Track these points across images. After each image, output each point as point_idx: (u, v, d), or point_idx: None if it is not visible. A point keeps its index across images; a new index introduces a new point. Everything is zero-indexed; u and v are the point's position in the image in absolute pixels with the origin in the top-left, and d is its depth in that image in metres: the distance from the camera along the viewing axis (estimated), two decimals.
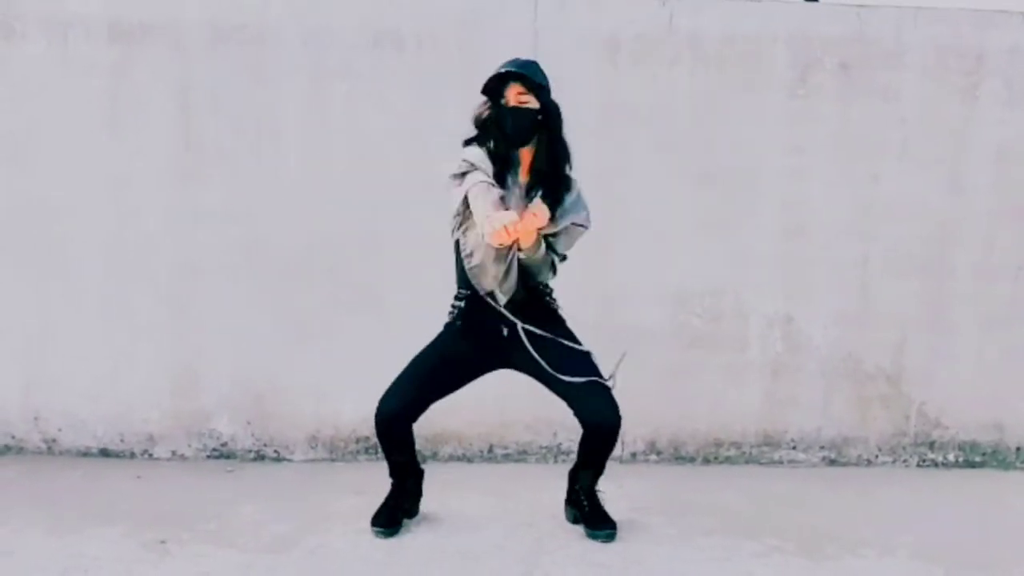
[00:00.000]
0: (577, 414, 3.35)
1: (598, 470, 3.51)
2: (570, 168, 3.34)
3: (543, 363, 3.31)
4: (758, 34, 4.23)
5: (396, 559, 3.29)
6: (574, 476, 3.59)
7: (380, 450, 3.51)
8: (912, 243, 4.38)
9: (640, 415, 4.37)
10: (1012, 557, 3.45)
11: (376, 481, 3.56)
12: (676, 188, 4.30)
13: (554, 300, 3.47)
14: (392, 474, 3.55)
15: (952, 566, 3.35)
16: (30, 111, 4.18)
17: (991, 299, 4.43)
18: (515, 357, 3.37)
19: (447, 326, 3.44)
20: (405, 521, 3.57)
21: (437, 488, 3.83)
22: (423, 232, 4.19)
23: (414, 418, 3.39)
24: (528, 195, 3.25)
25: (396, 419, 3.38)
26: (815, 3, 4.55)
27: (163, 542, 3.39)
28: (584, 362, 3.35)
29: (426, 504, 3.68)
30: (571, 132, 4.17)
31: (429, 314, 4.26)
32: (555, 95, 4.08)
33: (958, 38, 4.28)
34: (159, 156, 4.21)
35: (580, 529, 3.56)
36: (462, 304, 3.38)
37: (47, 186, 4.20)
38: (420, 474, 3.63)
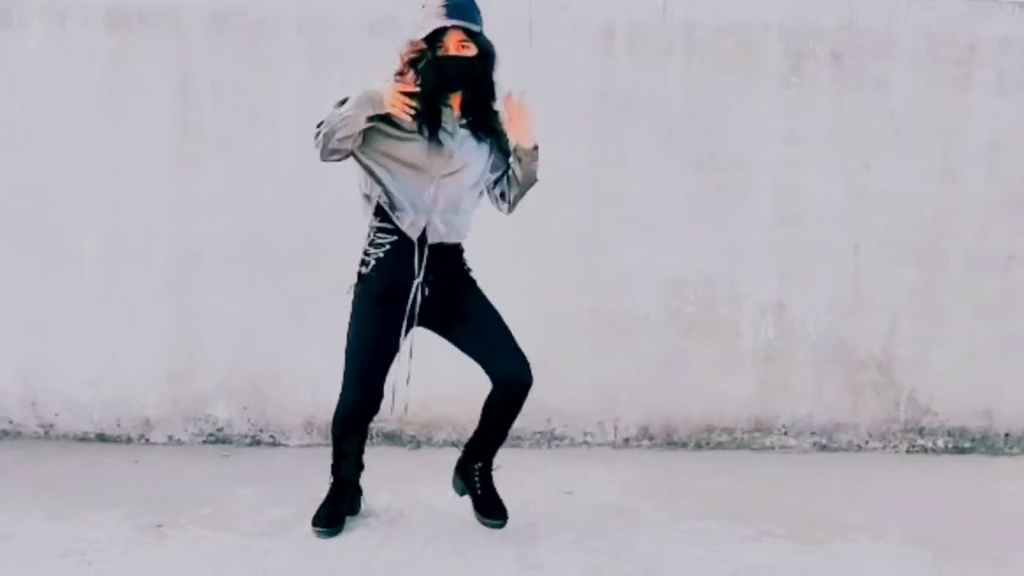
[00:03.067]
0: (489, 372, 3.28)
1: (499, 438, 3.44)
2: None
3: (449, 328, 3.31)
4: (751, 23, 4.25)
5: (391, 543, 3.32)
6: (473, 447, 3.50)
7: (334, 451, 3.46)
8: (904, 232, 4.41)
9: (633, 401, 4.41)
10: (1000, 542, 3.48)
11: (372, 466, 3.58)
12: (670, 176, 4.33)
13: (466, 262, 3.40)
14: (336, 471, 3.48)
15: (941, 551, 3.38)
16: (29, 99, 4.19)
17: (982, 288, 4.46)
18: (429, 317, 3.29)
19: (364, 283, 3.28)
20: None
21: (431, 474, 3.86)
22: None
23: (377, 405, 3.31)
24: (471, 135, 3.22)
25: (360, 411, 3.31)
26: None
27: (160, 526, 3.41)
28: (496, 322, 3.32)
29: (420, 489, 3.72)
30: (566, 120, 4.21)
31: None
32: (550, 84, 4.11)
33: (950, 28, 4.30)
34: (157, 143, 4.22)
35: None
36: (382, 254, 3.25)
37: (46, 173, 4.21)
38: (362, 468, 3.55)
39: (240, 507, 3.62)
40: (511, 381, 3.27)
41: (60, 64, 4.16)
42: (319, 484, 3.84)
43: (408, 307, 3.23)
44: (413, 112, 3.04)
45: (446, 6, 3.08)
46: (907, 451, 4.56)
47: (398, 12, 4.17)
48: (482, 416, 3.42)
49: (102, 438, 4.38)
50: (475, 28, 3.08)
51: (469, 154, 3.21)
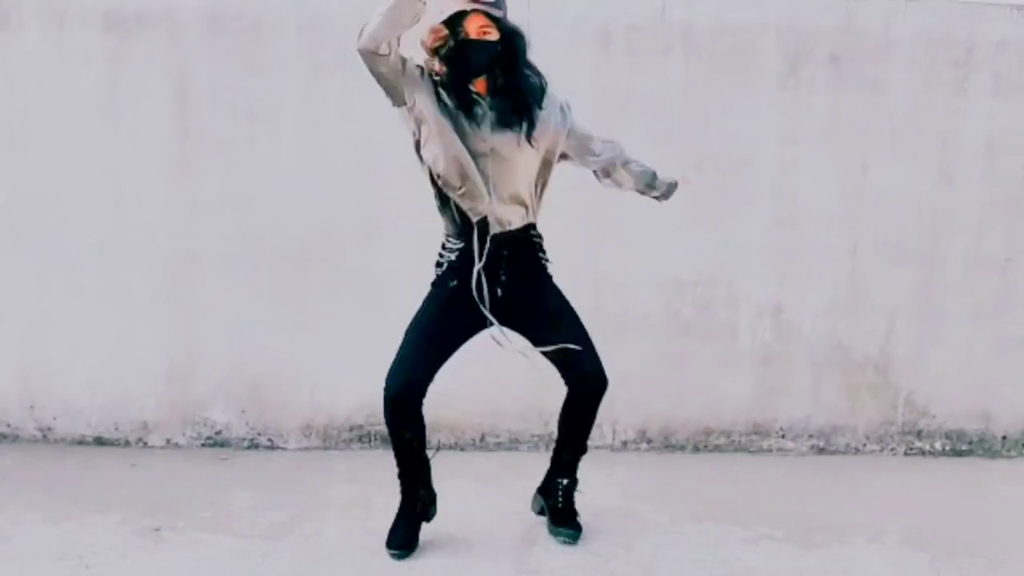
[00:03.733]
0: (563, 372, 3.28)
1: (579, 447, 3.42)
2: (543, 86, 3.24)
3: (527, 328, 3.26)
4: (749, 25, 4.25)
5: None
6: (556, 460, 3.47)
7: (390, 442, 3.31)
8: (901, 234, 4.41)
9: (631, 403, 4.41)
10: (998, 544, 3.49)
11: (370, 469, 3.59)
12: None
13: (544, 253, 3.35)
14: (403, 472, 3.33)
15: (939, 553, 3.39)
16: (27, 101, 4.18)
17: (979, 289, 4.46)
18: (506, 315, 3.25)
19: (435, 285, 3.29)
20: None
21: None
22: (419, 221, 4.20)
23: (424, 390, 3.20)
24: (500, 118, 3.14)
25: (408, 393, 3.17)
26: None
27: (158, 529, 3.42)
28: (572, 323, 3.29)
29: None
30: None
31: None
32: (549, 84, 4.10)
33: (947, 30, 4.30)
34: (155, 145, 4.22)
35: None
36: (453, 257, 3.25)
37: (44, 175, 4.21)
38: (428, 464, 3.39)
39: (238, 510, 3.63)
40: (586, 381, 3.28)
41: (58, 66, 4.16)
42: (317, 487, 3.86)
43: (472, 295, 3.18)
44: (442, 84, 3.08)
45: None
46: (905, 453, 4.56)
47: None
48: (559, 426, 3.41)
49: (100, 441, 4.38)
50: (496, 12, 3.05)
51: (503, 138, 3.14)
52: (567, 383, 3.30)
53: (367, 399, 4.32)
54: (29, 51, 4.15)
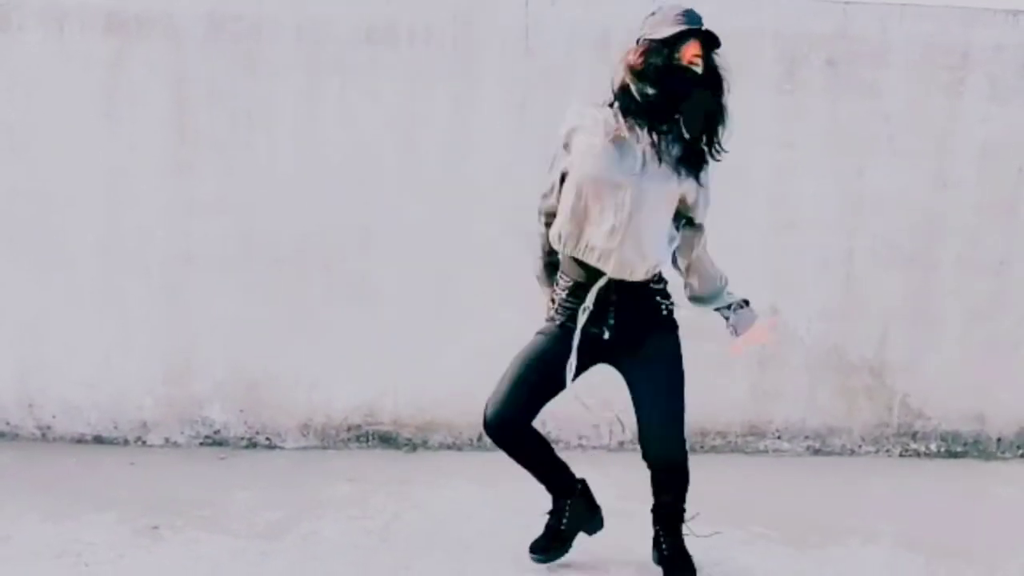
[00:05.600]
0: (641, 443, 3.07)
1: (673, 514, 3.21)
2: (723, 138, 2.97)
3: (626, 374, 3.09)
4: (746, 30, 4.27)
5: (387, 546, 3.34)
6: (656, 519, 3.26)
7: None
8: (897, 237, 4.43)
9: (628, 405, 4.41)
10: (992, 545, 3.51)
11: (367, 469, 3.60)
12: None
13: (667, 298, 3.12)
14: (554, 495, 3.29)
15: (933, 554, 3.41)
16: (27, 102, 4.19)
17: (974, 292, 4.48)
18: (610, 357, 3.09)
19: (548, 319, 3.10)
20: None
21: (427, 476, 3.88)
22: (416, 224, 4.24)
23: (519, 424, 3.09)
24: (665, 160, 2.86)
25: (503, 426, 3.06)
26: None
27: (156, 528, 3.44)
28: (670, 392, 3.06)
29: (416, 492, 3.73)
30: (561, 126, 4.22)
31: (422, 306, 4.31)
32: (546, 89, 4.13)
33: (943, 35, 4.32)
34: (154, 148, 4.23)
35: None
36: (564, 295, 3.04)
37: (43, 177, 4.22)
38: (565, 469, 3.30)
39: (236, 509, 3.64)
40: (658, 461, 3.07)
41: (58, 68, 4.17)
42: (315, 487, 3.87)
43: (575, 339, 3.00)
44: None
45: (685, 15, 2.84)
46: (900, 455, 4.58)
47: (395, 19, 4.20)
48: (652, 491, 3.20)
49: (99, 440, 4.40)
50: (717, 38, 2.82)
51: (658, 183, 2.87)
52: (642, 454, 3.10)
53: (365, 399, 4.34)
54: (30, 53, 4.16)
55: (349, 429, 4.41)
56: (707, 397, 4.45)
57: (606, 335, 3.00)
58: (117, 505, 3.63)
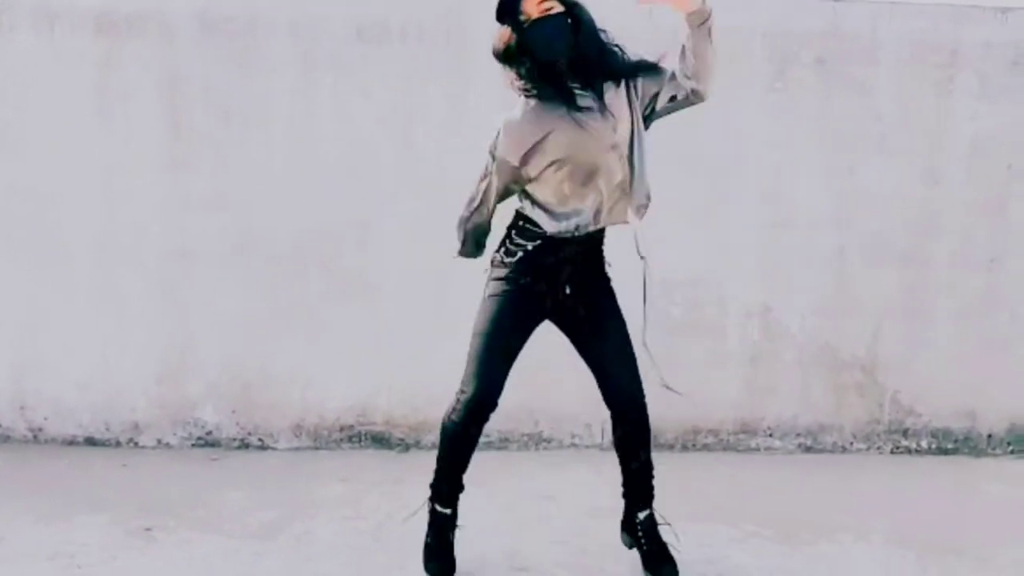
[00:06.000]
0: (604, 391, 3.17)
1: (643, 471, 3.25)
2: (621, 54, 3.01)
3: (576, 331, 3.14)
4: (737, 29, 4.27)
5: (380, 546, 3.34)
6: (626, 491, 3.28)
7: (441, 465, 3.19)
8: (888, 234, 4.45)
9: None
10: (983, 542, 3.51)
11: (360, 469, 3.60)
12: (657, 179, 4.34)
13: (605, 261, 3.19)
14: (443, 500, 3.24)
15: (924, 551, 3.42)
16: (20, 101, 4.19)
17: (965, 289, 4.50)
18: (561, 317, 3.14)
19: (505, 279, 3.07)
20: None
21: (420, 476, 3.87)
22: (411, 221, 4.24)
23: (495, 406, 3.10)
24: (599, 98, 2.93)
25: (491, 396, 3.07)
26: None
27: (149, 529, 3.43)
28: (625, 341, 3.15)
29: (409, 491, 3.73)
30: None
31: (417, 303, 4.31)
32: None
33: (933, 33, 4.34)
34: (148, 146, 4.23)
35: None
36: (530, 247, 3.03)
37: (37, 175, 4.22)
38: (462, 491, 3.29)
39: (229, 510, 3.64)
40: (618, 403, 3.18)
41: (50, 67, 4.17)
42: (308, 487, 3.87)
43: (545, 301, 3.06)
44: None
45: None
46: (891, 452, 4.59)
47: (388, 16, 4.20)
48: (616, 453, 3.27)
49: (91, 442, 4.39)
50: None
51: (602, 123, 2.93)
52: (605, 402, 3.20)
53: (357, 399, 4.34)
54: (21, 52, 4.16)
55: (342, 430, 4.41)
56: (699, 395, 4.46)
57: (567, 290, 3.06)
58: (110, 506, 3.62)
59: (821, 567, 3.30)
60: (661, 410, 4.47)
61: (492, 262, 3.14)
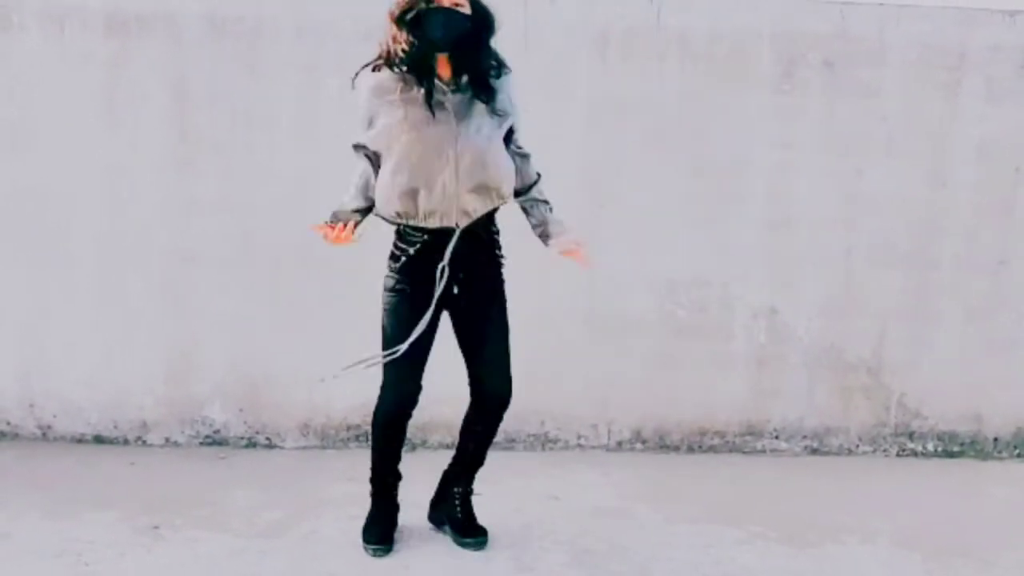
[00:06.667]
0: (472, 379, 3.30)
1: (478, 459, 3.43)
2: (502, 70, 3.15)
3: (459, 321, 3.27)
4: (744, 30, 4.28)
5: None
6: (452, 470, 3.48)
7: (375, 458, 3.40)
8: (895, 237, 4.45)
9: (626, 404, 4.45)
10: (989, 545, 3.52)
11: (367, 469, 3.60)
12: (664, 181, 4.36)
13: (500, 250, 3.29)
14: (377, 479, 3.43)
15: (930, 553, 3.42)
16: (27, 102, 4.21)
17: (972, 292, 4.49)
18: (451, 303, 3.23)
19: (398, 284, 3.22)
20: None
21: (427, 475, 3.88)
22: None
23: (417, 401, 3.28)
24: (465, 101, 3.07)
25: (405, 407, 3.28)
26: (800, 0, 4.60)
27: (156, 527, 3.45)
28: (500, 336, 3.28)
29: (416, 491, 3.74)
30: (560, 125, 4.24)
31: None
32: (545, 89, 4.13)
33: (941, 36, 4.33)
34: (155, 147, 4.24)
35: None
36: (412, 251, 3.17)
37: (44, 175, 4.23)
38: (400, 477, 3.49)
39: (236, 509, 3.65)
40: (486, 396, 3.32)
41: (59, 68, 4.18)
42: (315, 486, 3.88)
43: (437, 294, 3.14)
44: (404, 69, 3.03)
45: None
46: (897, 455, 4.59)
47: None
48: (460, 436, 3.43)
49: (99, 440, 4.40)
50: None
51: (469, 123, 3.06)
52: (472, 392, 3.34)
53: (364, 399, 4.31)
54: (30, 53, 4.17)
55: (349, 429, 4.42)
56: (705, 396, 4.48)
57: (455, 289, 3.17)
58: (117, 504, 3.64)
59: (827, 569, 3.31)
60: (668, 412, 4.51)
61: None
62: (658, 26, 4.27)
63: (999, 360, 4.54)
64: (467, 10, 2.99)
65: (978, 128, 4.39)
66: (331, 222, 3.20)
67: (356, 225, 3.19)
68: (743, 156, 4.38)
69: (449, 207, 3.07)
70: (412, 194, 3.06)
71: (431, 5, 2.95)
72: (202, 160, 4.25)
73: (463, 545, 3.36)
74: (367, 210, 3.23)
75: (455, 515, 3.42)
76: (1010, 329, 4.53)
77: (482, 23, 3.04)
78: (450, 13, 2.96)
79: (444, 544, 3.37)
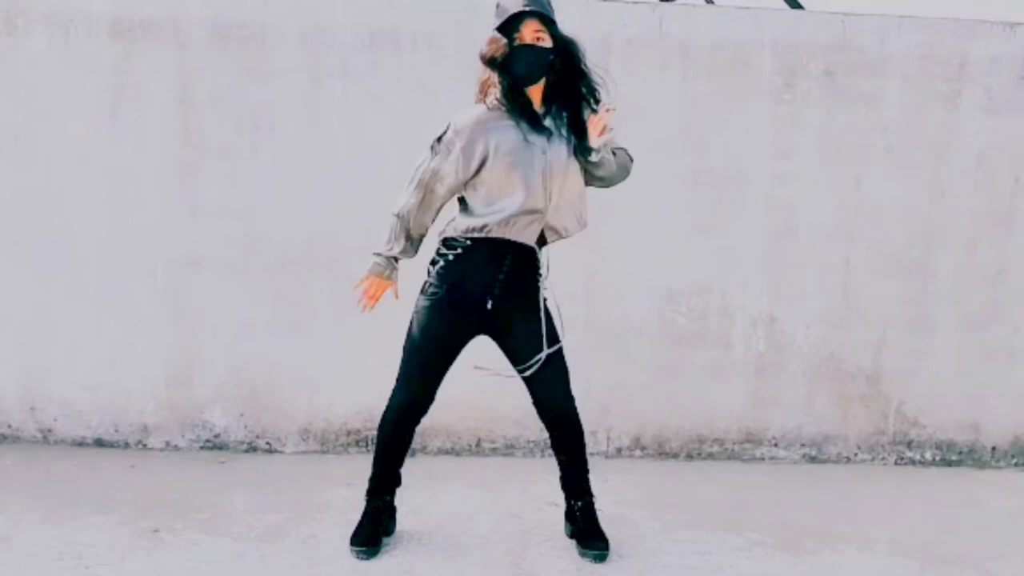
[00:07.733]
0: (535, 403, 3.32)
1: (579, 472, 3.41)
2: (597, 99, 3.30)
3: (511, 346, 3.30)
4: (745, 41, 4.31)
5: (385, 550, 3.35)
6: (565, 487, 3.45)
7: (376, 458, 3.41)
8: (894, 246, 4.47)
9: (626, 411, 4.46)
10: (986, 553, 3.52)
11: (367, 473, 3.61)
12: (665, 189, 4.38)
13: (541, 269, 3.34)
14: (375, 483, 3.44)
15: (928, 562, 3.43)
16: (32, 106, 4.22)
17: (970, 302, 4.51)
18: (493, 329, 3.29)
19: (431, 297, 3.28)
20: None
21: (426, 481, 3.90)
22: None
23: (426, 410, 3.32)
24: (556, 129, 3.21)
25: (413, 412, 3.31)
26: (801, 11, 4.64)
27: (157, 531, 3.45)
28: (556, 355, 3.29)
29: (415, 497, 3.75)
30: None
31: None
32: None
33: (941, 47, 4.36)
34: (158, 151, 4.26)
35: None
36: (451, 257, 3.26)
37: (48, 179, 4.25)
38: (398, 485, 3.51)
39: (236, 512, 3.66)
40: (553, 420, 3.32)
41: (64, 72, 4.20)
42: (314, 490, 3.89)
43: (479, 313, 3.23)
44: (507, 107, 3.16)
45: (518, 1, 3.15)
46: (895, 463, 4.60)
47: (398, 25, 4.23)
48: (555, 455, 3.43)
49: (100, 443, 4.41)
50: (549, 15, 3.14)
51: (559, 149, 3.19)
52: (538, 414, 3.34)
53: (365, 404, 4.36)
54: (35, 57, 4.19)
55: (349, 434, 4.43)
56: (704, 404, 4.49)
57: (489, 304, 3.22)
58: (118, 508, 3.64)
59: None
60: (668, 419, 4.52)
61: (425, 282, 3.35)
62: (660, 35, 4.29)
63: (997, 369, 4.56)
64: (548, 44, 3.14)
65: (978, 139, 4.42)
66: (373, 273, 3.41)
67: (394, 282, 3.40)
68: (743, 165, 4.40)
69: (531, 228, 3.22)
70: (504, 217, 3.17)
71: (514, 44, 3.11)
72: (205, 165, 4.27)
73: (583, 555, 3.36)
74: (406, 253, 3.40)
75: (578, 527, 3.43)
76: (1008, 339, 4.55)
77: (564, 52, 3.19)
78: (533, 49, 3.11)
79: (443, 549, 3.37)
